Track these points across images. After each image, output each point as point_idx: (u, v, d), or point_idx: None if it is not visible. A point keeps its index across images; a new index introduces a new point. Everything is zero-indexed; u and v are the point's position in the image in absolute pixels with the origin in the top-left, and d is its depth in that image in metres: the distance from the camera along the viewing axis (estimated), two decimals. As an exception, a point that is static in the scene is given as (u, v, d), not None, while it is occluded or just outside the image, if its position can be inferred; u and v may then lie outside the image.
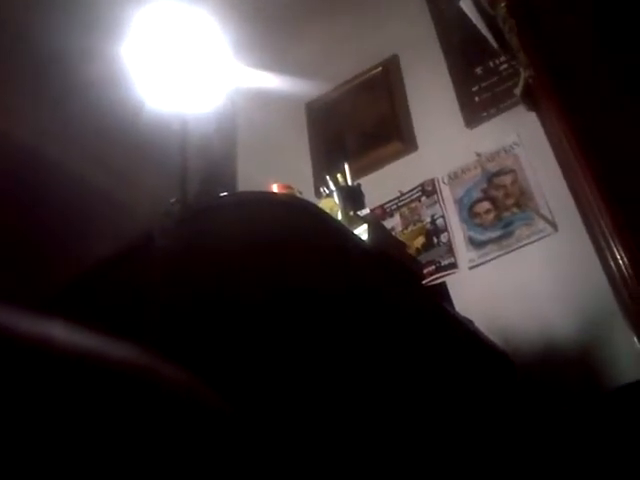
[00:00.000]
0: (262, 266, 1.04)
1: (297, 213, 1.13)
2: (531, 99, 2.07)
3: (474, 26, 2.21)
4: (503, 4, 1.90)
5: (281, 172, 2.54)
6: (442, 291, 1.69)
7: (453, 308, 1.64)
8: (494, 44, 2.21)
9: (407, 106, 2.74)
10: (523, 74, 1.98)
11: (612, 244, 1.47)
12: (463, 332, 1.52)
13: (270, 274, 1.05)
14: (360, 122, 2.83)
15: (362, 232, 1.45)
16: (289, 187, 1.74)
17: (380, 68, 2.88)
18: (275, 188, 1.70)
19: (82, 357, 0.34)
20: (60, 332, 0.35)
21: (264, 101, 3.02)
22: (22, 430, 0.29)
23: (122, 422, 0.33)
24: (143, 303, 0.99)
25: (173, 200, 1.13)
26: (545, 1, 1.86)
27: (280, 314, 1.02)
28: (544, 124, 2.07)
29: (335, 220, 1.40)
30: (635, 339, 1.54)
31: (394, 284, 1.33)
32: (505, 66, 2.47)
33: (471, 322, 1.62)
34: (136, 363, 0.37)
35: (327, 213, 1.32)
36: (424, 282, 2.15)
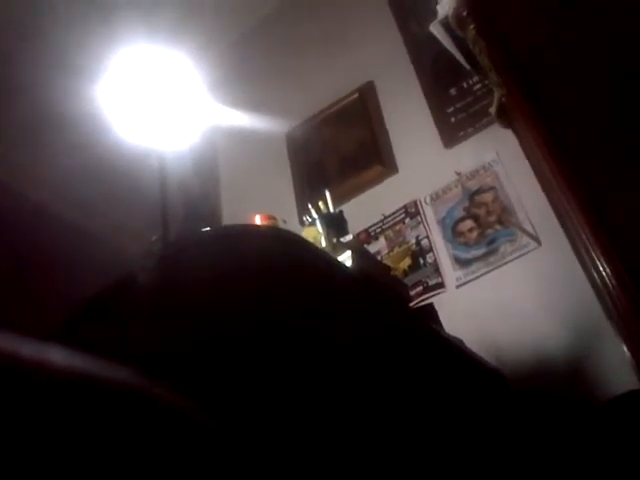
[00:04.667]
0: (247, 298, 1.03)
1: (279, 244, 1.14)
2: (506, 117, 2.10)
3: (446, 49, 2.25)
4: (472, 26, 1.93)
5: (265, 203, 2.56)
6: (430, 312, 1.69)
7: (442, 328, 1.64)
8: (466, 65, 2.25)
9: (385, 130, 2.77)
10: (496, 93, 2.01)
11: (594, 256, 1.48)
12: (454, 352, 1.52)
13: (255, 306, 1.04)
14: (340, 148, 2.86)
15: (346, 258, 1.45)
16: (272, 218, 1.74)
17: (356, 94, 2.92)
18: (258, 219, 1.70)
19: (79, 379, 0.37)
20: (58, 356, 0.37)
21: (243, 136, 3.05)
22: (23, 446, 0.31)
23: (115, 439, 0.35)
24: (128, 341, 0.98)
25: (155, 238, 1.14)
26: (512, 21, 1.90)
27: (266, 345, 1.02)
28: (520, 140, 2.09)
29: (318, 248, 1.40)
30: (624, 349, 1.54)
31: (381, 309, 1.33)
32: (479, 86, 2.52)
33: (461, 341, 1.62)
34: (129, 384, 0.40)
35: (310, 242, 1.32)
36: (413, 303, 2.16)
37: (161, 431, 0.39)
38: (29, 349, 0.36)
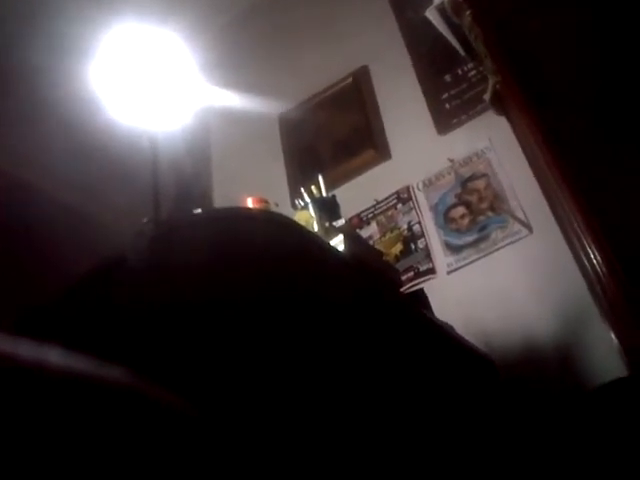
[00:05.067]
0: (237, 281, 1.03)
1: (272, 227, 1.13)
2: (500, 104, 2.10)
3: (441, 35, 2.24)
4: (468, 12, 1.92)
5: (257, 186, 2.55)
6: (421, 297, 1.70)
7: (432, 314, 1.65)
8: (461, 52, 2.24)
9: (379, 115, 2.76)
10: (491, 80, 2.01)
11: (585, 244, 1.49)
12: (444, 338, 1.53)
13: (247, 288, 1.04)
14: (333, 132, 2.85)
15: (338, 243, 1.45)
16: (264, 201, 1.73)
17: (350, 79, 2.90)
18: (250, 202, 1.70)
19: (76, 379, 0.38)
20: (55, 357, 0.38)
21: (236, 117, 3.03)
22: (23, 445, 0.33)
23: (112, 437, 0.37)
24: (118, 322, 0.98)
25: (146, 219, 1.13)
26: (509, 8, 1.89)
27: (256, 327, 1.02)
28: (514, 128, 2.10)
29: (311, 232, 1.40)
30: (612, 336, 1.55)
31: (372, 293, 1.33)
32: (473, 72, 2.51)
33: (451, 327, 1.63)
34: (124, 383, 0.41)
35: (302, 226, 1.32)
36: (404, 288, 2.17)
37: (155, 429, 0.40)
38: (27, 350, 0.37)
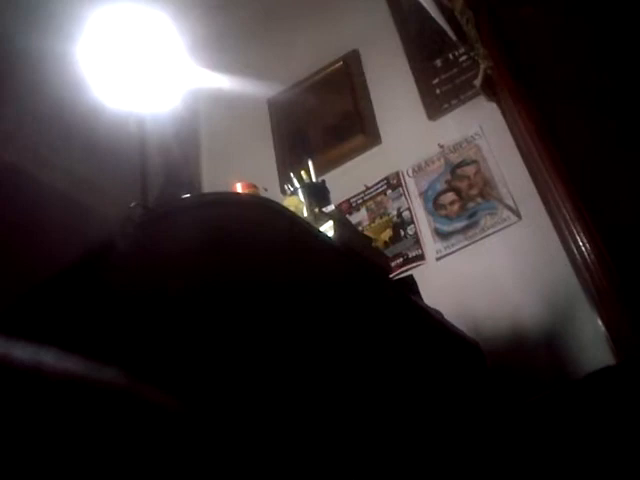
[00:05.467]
0: (226, 267, 1.02)
1: (260, 212, 1.12)
2: (491, 90, 2.09)
3: (432, 19, 2.22)
4: (460, -4, 1.91)
5: (246, 170, 2.53)
6: (410, 284, 1.70)
7: (422, 300, 1.65)
8: (453, 36, 2.23)
9: (369, 100, 2.74)
10: (482, 65, 2.00)
11: (574, 231, 1.49)
12: (433, 324, 1.53)
13: (234, 274, 1.03)
14: (323, 117, 2.83)
15: (328, 229, 1.44)
16: (253, 186, 1.72)
17: (341, 63, 2.88)
18: (239, 187, 1.68)
19: (70, 381, 0.38)
20: (50, 358, 0.39)
21: (225, 100, 3.00)
22: (18, 446, 0.33)
23: (106, 437, 0.37)
24: (108, 307, 0.97)
25: (133, 204, 1.11)
26: (501, -8, 1.88)
27: (246, 313, 1.01)
28: (505, 114, 2.09)
29: (300, 218, 1.39)
30: (600, 323, 1.56)
31: (361, 279, 1.33)
32: (464, 58, 2.49)
33: (440, 313, 1.63)
34: (118, 384, 0.42)
35: (291, 211, 1.31)
36: (393, 275, 2.17)
37: (149, 430, 0.41)
38: (22, 351, 0.37)
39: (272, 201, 1.18)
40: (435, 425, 1.28)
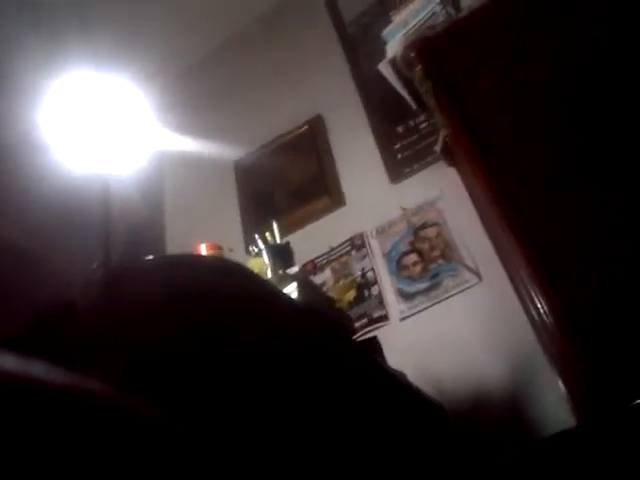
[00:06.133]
0: (189, 327, 1.02)
1: (223, 274, 1.13)
2: (450, 156, 2.17)
3: (394, 87, 2.32)
4: (419, 67, 2.00)
5: (211, 232, 2.54)
6: (374, 345, 1.70)
7: (385, 361, 1.65)
8: (413, 104, 2.32)
9: (334, 163, 2.81)
10: (442, 132, 2.08)
11: (532, 293, 1.52)
12: (396, 386, 1.53)
13: (197, 336, 1.03)
14: (288, 179, 2.88)
15: (292, 290, 1.45)
16: (218, 247, 1.73)
17: (306, 127, 2.95)
18: (203, 248, 1.69)
19: (57, 391, 0.39)
20: (38, 369, 0.39)
21: (191, 162, 3.04)
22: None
23: (92, 448, 0.37)
24: (67, 366, 0.95)
25: (95, 265, 1.11)
26: (459, 64, 1.97)
27: (209, 374, 1.00)
28: (464, 179, 2.16)
29: (264, 280, 1.40)
30: (560, 385, 1.58)
31: (324, 340, 1.33)
32: (425, 124, 2.59)
33: (403, 374, 1.63)
34: (105, 395, 0.42)
35: (255, 273, 1.32)
36: (358, 335, 2.17)
37: (136, 441, 0.41)
38: (8, 361, 0.37)
39: (236, 263, 1.19)
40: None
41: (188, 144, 2.92)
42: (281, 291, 1.38)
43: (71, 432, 0.37)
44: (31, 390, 0.37)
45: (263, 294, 1.19)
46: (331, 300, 1.71)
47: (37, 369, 0.39)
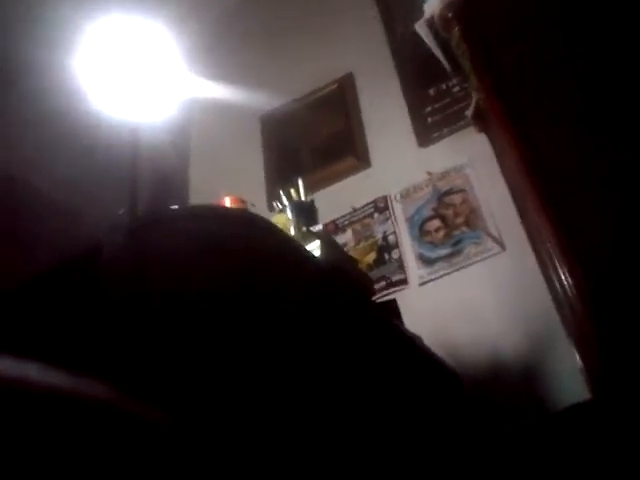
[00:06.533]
0: (213, 278, 1.02)
1: (249, 229, 1.13)
2: (482, 121, 2.12)
3: (428, 48, 2.26)
4: (457, 28, 1.94)
5: (234, 185, 2.53)
6: (393, 307, 1.71)
7: (403, 324, 1.66)
8: (447, 67, 2.26)
9: (361, 123, 2.77)
10: (474, 97, 2.03)
11: (557, 265, 1.51)
12: (412, 349, 1.54)
13: (221, 286, 1.03)
14: (314, 137, 2.85)
15: (315, 248, 1.45)
16: (241, 201, 1.73)
17: (336, 85, 2.91)
18: (227, 201, 1.69)
19: (54, 394, 0.38)
20: (34, 372, 0.39)
21: (219, 112, 3.01)
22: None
23: (91, 451, 0.37)
24: (92, 312, 0.96)
25: (122, 211, 1.11)
26: (497, 28, 1.92)
27: (232, 324, 1.01)
28: (494, 146, 2.12)
29: (288, 236, 1.40)
30: (577, 358, 1.58)
31: (345, 300, 1.33)
32: (457, 88, 2.53)
33: (420, 338, 1.64)
34: (103, 398, 0.42)
35: (279, 228, 1.32)
36: (376, 297, 2.18)
37: (135, 444, 0.41)
38: (4, 364, 0.37)
39: (261, 218, 1.19)
40: (413, 452, 1.28)
41: (217, 92, 2.88)
42: (305, 248, 1.38)
43: (67, 435, 0.36)
44: (26, 393, 0.37)
45: (288, 250, 1.19)
46: (353, 260, 1.71)
47: (33, 372, 0.39)
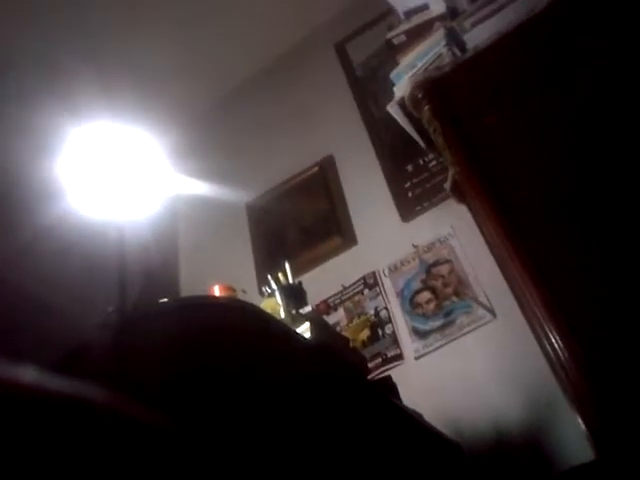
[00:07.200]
0: (204, 370, 1.02)
1: (237, 315, 1.14)
2: (460, 193, 2.18)
3: (402, 127, 2.35)
4: (427, 107, 2.03)
5: (225, 273, 2.56)
6: (388, 385, 1.69)
7: (400, 401, 1.64)
8: (422, 144, 2.34)
9: (345, 203, 2.84)
10: (450, 170, 2.10)
11: (547, 329, 1.51)
12: (412, 426, 1.51)
13: (213, 377, 1.03)
14: (300, 220, 2.91)
15: (305, 330, 1.46)
16: (231, 288, 1.75)
17: (317, 168, 2.99)
18: (217, 290, 1.70)
19: (49, 397, 0.40)
20: (29, 376, 0.40)
21: (204, 205, 3.09)
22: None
23: (87, 451, 0.37)
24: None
25: (111, 309, 1.13)
26: (465, 104, 2.00)
27: (225, 418, 1.00)
28: (474, 216, 2.17)
29: (277, 320, 1.41)
30: (579, 420, 1.56)
31: (338, 380, 1.32)
32: (434, 163, 2.62)
33: (420, 415, 1.62)
34: (103, 401, 0.42)
35: (268, 313, 1.33)
36: (372, 375, 2.16)
37: (132, 445, 0.41)
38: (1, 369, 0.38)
39: (249, 303, 1.20)
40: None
41: (201, 188, 2.97)
42: (294, 331, 1.38)
43: (58, 436, 0.37)
44: (19, 397, 0.37)
45: (276, 334, 1.20)
46: (345, 339, 1.71)
47: (28, 376, 0.39)
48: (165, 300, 1.23)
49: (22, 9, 2.69)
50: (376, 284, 2.52)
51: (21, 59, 2.69)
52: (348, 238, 2.72)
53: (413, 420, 1.53)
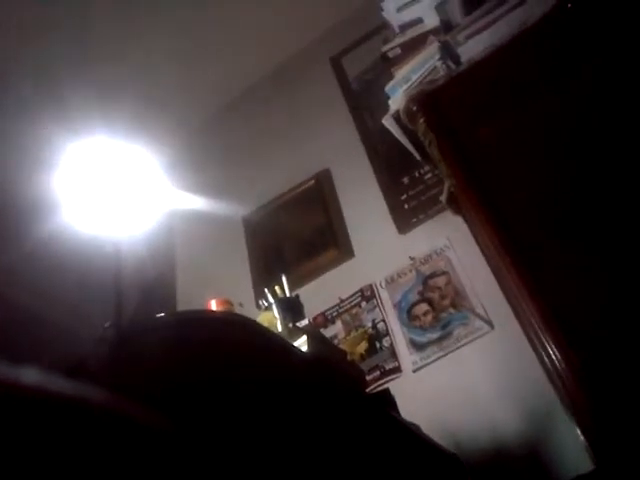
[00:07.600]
0: (202, 385, 1.02)
1: (235, 329, 1.14)
2: (456, 205, 2.19)
3: (398, 140, 2.36)
4: (422, 120, 2.04)
5: (222, 287, 2.56)
6: (387, 398, 1.69)
7: (399, 414, 1.64)
8: (417, 156, 2.36)
9: (341, 216, 2.84)
10: (446, 182, 2.11)
11: (544, 340, 1.52)
12: (410, 438, 1.51)
13: (211, 392, 1.03)
14: (296, 233, 2.91)
15: (302, 343, 1.45)
16: (228, 302, 1.74)
17: (313, 181, 3.00)
18: (214, 304, 1.70)
19: (48, 397, 0.40)
20: (29, 377, 0.40)
21: (200, 219, 3.09)
22: None
23: (85, 450, 0.37)
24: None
25: (107, 324, 1.12)
26: (459, 116, 2.01)
27: (223, 432, 1.00)
28: (470, 228, 2.18)
29: (274, 333, 1.41)
30: (577, 431, 1.56)
31: (337, 394, 1.32)
32: (429, 175, 2.63)
33: (418, 427, 1.61)
34: (97, 400, 0.42)
35: (265, 327, 1.33)
36: (371, 388, 2.15)
37: (130, 446, 0.41)
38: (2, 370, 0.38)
39: (245, 317, 1.20)
40: None
41: (197, 202, 2.98)
42: (291, 344, 1.38)
43: (57, 437, 0.37)
44: (18, 398, 0.37)
45: (274, 348, 1.20)
46: (343, 352, 1.71)
47: (28, 377, 0.39)
48: (162, 315, 1.23)
49: (21, 25, 2.71)
50: (373, 296, 2.52)
51: (19, 74, 2.71)
52: (345, 251, 2.73)
53: (411, 433, 1.52)
